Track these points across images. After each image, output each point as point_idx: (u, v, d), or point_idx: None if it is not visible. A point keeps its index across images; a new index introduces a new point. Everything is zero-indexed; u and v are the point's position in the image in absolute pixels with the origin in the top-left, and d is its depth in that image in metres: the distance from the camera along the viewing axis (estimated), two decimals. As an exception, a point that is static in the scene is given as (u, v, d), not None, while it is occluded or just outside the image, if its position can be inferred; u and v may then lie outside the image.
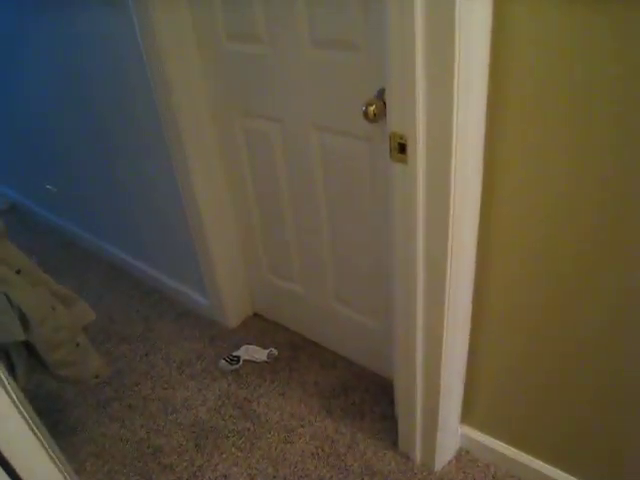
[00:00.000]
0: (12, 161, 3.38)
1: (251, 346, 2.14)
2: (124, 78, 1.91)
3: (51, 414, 2.00)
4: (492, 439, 1.60)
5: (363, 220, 1.65)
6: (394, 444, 1.73)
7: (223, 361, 2.09)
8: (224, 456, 1.78)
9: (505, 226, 1.19)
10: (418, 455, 1.64)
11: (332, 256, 1.85)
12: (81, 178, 2.67)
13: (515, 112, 1.05)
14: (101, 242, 2.89)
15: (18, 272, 1.36)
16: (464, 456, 1.68)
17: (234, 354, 2.11)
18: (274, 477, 1.69)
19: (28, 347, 1.44)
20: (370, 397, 1.91)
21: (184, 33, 1.70)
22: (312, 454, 1.74)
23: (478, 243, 1.25)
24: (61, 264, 2.98)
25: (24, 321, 1.35)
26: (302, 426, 1.84)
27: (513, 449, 1.56)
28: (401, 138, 1.12)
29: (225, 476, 1.72)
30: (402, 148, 1.13)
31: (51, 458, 1.14)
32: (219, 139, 1.92)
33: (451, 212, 1.13)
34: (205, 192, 1.96)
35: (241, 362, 2.09)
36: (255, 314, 2.37)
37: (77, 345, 1.55)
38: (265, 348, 2.13)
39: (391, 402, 1.83)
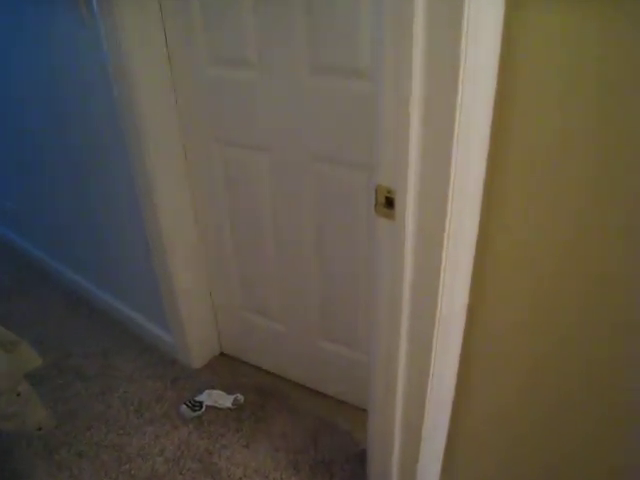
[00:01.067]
0: None
1: (215, 391, 2.00)
2: (89, 94, 1.79)
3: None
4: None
5: (357, 252, 1.56)
6: (364, 510, 1.60)
7: (184, 406, 1.94)
8: (179, 517, 1.62)
9: (498, 297, 1.08)
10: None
11: (320, 290, 1.75)
12: (45, 196, 2.52)
13: (517, 174, 0.95)
14: (62, 266, 2.72)
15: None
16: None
17: (196, 399, 1.96)
18: None
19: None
20: (341, 452, 1.77)
21: (155, 53, 1.59)
22: (275, 518, 1.60)
23: (469, 305, 1.14)
24: (18, 286, 2.81)
25: (-45, 371, 1.19)
26: (267, 484, 1.70)
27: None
28: (389, 192, 1.00)
29: (179, 541, 1.56)
30: (389, 203, 1.01)
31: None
32: (191, 167, 1.80)
33: (441, 280, 1.01)
34: (170, 221, 1.83)
35: (204, 408, 1.94)
36: (222, 353, 2.23)
37: (18, 395, 1.39)
38: (230, 393, 1.99)
39: (363, 459, 1.70)
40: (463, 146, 0.87)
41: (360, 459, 1.72)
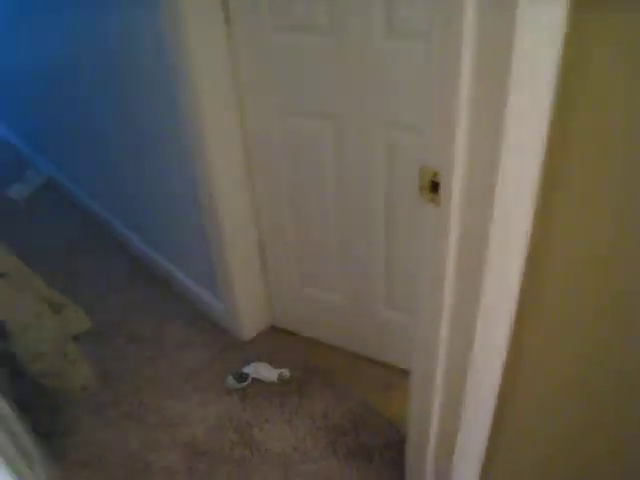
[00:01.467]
0: (52, 136, 3.34)
1: (262, 364, 2.00)
2: (145, 61, 1.82)
3: (46, 412, 1.91)
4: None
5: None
6: (399, 499, 1.56)
7: (231, 377, 1.96)
8: (216, 486, 1.64)
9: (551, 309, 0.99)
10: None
11: (386, 258, 1.74)
12: (112, 164, 2.59)
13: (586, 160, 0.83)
14: (128, 232, 2.80)
15: (2, 276, 1.25)
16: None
17: (243, 371, 1.97)
18: (263, 519, 1.55)
19: (9, 353, 1.33)
20: (382, 437, 1.74)
21: (213, 18, 1.56)
22: (309, 497, 1.59)
23: (520, 298, 1.06)
24: (85, 246, 2.92)
25: (3, 329, 1.24)
26: (303, 462, 1.69)
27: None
28: (434, 175, 0.94)
29: (212, 509, 1.59)
30: (434, 187, 0.95)
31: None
32: (248, 135, 1.78)
33: (484, 271, 0.93)
34: (224, 189, 1.81)
35: (249, 381, 1.95)
36: (273, 327, 2.22)
37: (64, 355, 1.43)
38: (277, 367, 1.98)
39: (403, 447, 1.66)
40: (516, 127, 0.79)
41: (401, 447, 1.68)
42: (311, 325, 2.12)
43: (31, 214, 3.42)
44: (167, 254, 2.47)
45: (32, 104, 3.47)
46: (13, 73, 3.50)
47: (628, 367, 0.92)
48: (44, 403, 1.91)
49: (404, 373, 1.78)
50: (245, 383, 1.94)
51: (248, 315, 2.13)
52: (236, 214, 1.90)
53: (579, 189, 0.83)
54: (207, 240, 1.99)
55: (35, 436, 1.60)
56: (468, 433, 1.21)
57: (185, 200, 2.02)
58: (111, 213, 2.94)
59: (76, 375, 1.49)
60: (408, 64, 1.34)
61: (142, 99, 1.97)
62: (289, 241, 1.93)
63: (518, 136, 0.79)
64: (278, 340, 2.16)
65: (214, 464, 1.70)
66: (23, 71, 3.29)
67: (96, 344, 2.16)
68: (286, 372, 1.96)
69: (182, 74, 1.61)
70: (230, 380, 1.95)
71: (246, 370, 1.98)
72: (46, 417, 1.88)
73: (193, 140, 1.73)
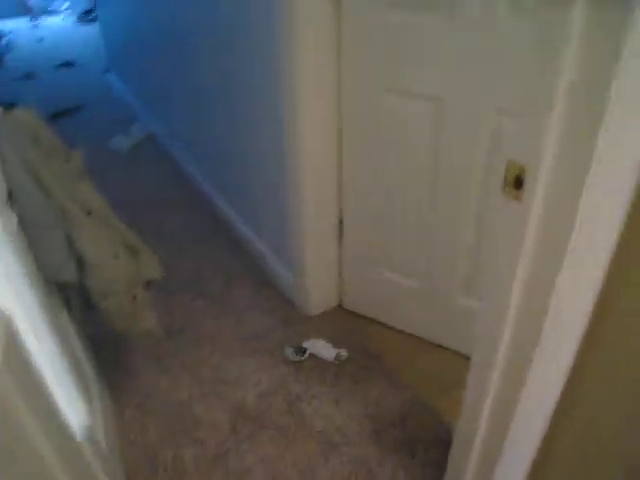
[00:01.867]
0: (158, 94, 3.49)
1: (321, 341, 2.00)
2: (246, 31, 1.85)
3: (110, 351, 2.01)
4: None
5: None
6: (434, 501, 1.53)
7: (289, 348, 1.98)
8: (255, 449, 1.68)
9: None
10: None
11: (470, 250, 1.71)
12: (208, 122, 2.66)
13: None
14: (213, 190, 2.87)
15: (89, 214, 1.31)
16: None
17: (303, 344, 1.99)
18: (296, 491, 1.57)
19: (84, 286, 1.40)
20: (430, 433, 1.70)
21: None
22: (344, 479, 1.59)
23: (589, 328, 0.99)
24: (175, 203, 3.03)
25: (81, 263, 1.30)
26: (345, 444, 1.69)
27: None
28: (521, 170, 0.88)
29: (248, 470, 1.62)
30: (519, 183, 0.90)
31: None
32: (343, 109, 1.76)
33: (557, 284, 0.88)
34: (313, 157, 1.81)
35: (307, 355, 1.97)
36: (340, 306, 2.22)
37: (134, 298, 1.50)
38: (337, 347, 1.98)
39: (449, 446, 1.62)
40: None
41: (447, 448, 1.64)
42: (380, 308, 2.10)
43: (128, 166, 3.59)
44: (247, 217, 2.52)
45: (144, 64, 3.66)
46: (132, 34, 3.71)
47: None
48: (110, 342, 2.00)
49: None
50: (302, 357, 1.96)
51: (316, 290, 2.14)
52: (320, 185, 1.89)
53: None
54: (286, 208, 2.00)
55: (96, 370, 1.69)
56: (516, 443, 1.16)
57: (271, 165, 2.04)
58: (201, 171, 3.04)
59: (142, 319, 1.55)
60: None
61: (244, 63, 2.00)
62: (370, 220, 1.90)
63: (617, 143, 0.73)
64: (343, 320, 2.15)
65: (257, 428, 1.73)
66: (140, 32, 3.48)
67: (166, 295, 2.25)
68: (344, 353, 1.96)
69: (284, 42, 1.61)
70: (288, 351, 1.97)
71: (305, 344, 1.99)
72: (110, 356, 1.98)
73: (288, 104, 1.74)
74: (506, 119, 1.42)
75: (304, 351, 1.97)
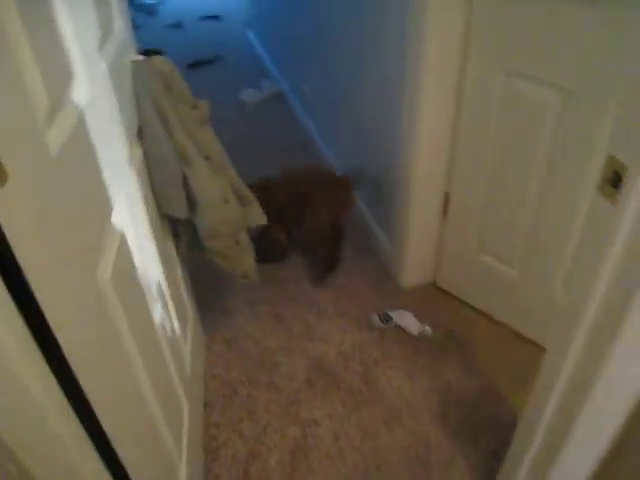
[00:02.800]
0: (290, 54, 3.62)
1: (409, 313, 2.04)
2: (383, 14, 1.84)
3: (210, 288, 2.17)
4: None
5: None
6: (487, 490, 1.55)
7: (376, 316, 2.04)
8: (325, 404, 1.77)
9: None
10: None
11: (579, 246, 1.64)
12: (328, 85, 2.75)
13: None
14: (329, 152, 2.96)
15: (207, 158, 1.42)
16: None
17: (389, 313, 2.04)
18: (355, 449, 1.64)
19: (192, 225, 1.53)
20: (497, 425, 1.70)
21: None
22: (402, 450, 1.64)
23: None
24: (289, 157, 3.14)
25: (193, 202, 1.42)
26: (410, 417, 1.73)
27: None
28: (621, 168, 0.86)
29: (315, 422, 1.71)
30: (616, 182, 0.87)
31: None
32: (463, 91, 1.75)
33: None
34: (428, 127, 1.82)
35: (391, 324, 2.01)
36: (435, 285, 2.23)
37: (237, 242, 1.61)
38: (422, 322, 2.01)
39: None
40: None
41: (511, 439, 1.64)
42: (474, 292, 2.10)
43: (254, 118, 3.76)
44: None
45: (280, 23, 3.84)
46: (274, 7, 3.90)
47: None
48: (209, 281, 2.16)
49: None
50: (387, 325, 2.01)
51: (414, 264, 2.17)
52: (430, 157, 1.90)
53: None
54: (394, 178, 2.03)
55: (193, 302, 1.84)
56: (580, 443, 1.13)
57: (386, 131, 2.07)
58: (320, 134, 3.13)
59: (242, 262, 1.66)
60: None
61: (374, 36, 2.03)
62: (477, 202, 1.88)
63: None
64: (434, 297, 2.17)
65: (331, 385, 1.82)
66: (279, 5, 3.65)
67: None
68: (429, 329, 1.98)
69: (415, 23, 1.63)
70: (375, 318, 2.03)
71: (391, 313, 2.03)
72: (208, 293, 2.13)
73: (410, 72, 1.76)
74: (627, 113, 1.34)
75: (389, 319, 2.02)
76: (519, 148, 1.67)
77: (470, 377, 1.84)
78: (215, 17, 5.95)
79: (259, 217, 1.67)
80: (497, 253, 1.92)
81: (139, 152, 1.27)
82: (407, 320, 2.02)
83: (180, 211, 1.41)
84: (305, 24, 3.06)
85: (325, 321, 2.07)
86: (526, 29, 1.50)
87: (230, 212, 1.52)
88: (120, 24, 1.24)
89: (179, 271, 1.65)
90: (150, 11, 6.16)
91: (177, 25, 5.78)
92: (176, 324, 1.50)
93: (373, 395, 1.79)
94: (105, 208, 0.94)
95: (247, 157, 3.00)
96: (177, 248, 1.60)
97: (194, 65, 4.50)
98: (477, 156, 1.80)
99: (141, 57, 1.30)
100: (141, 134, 1.28)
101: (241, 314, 2.11)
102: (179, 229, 1.55)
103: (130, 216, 1.08)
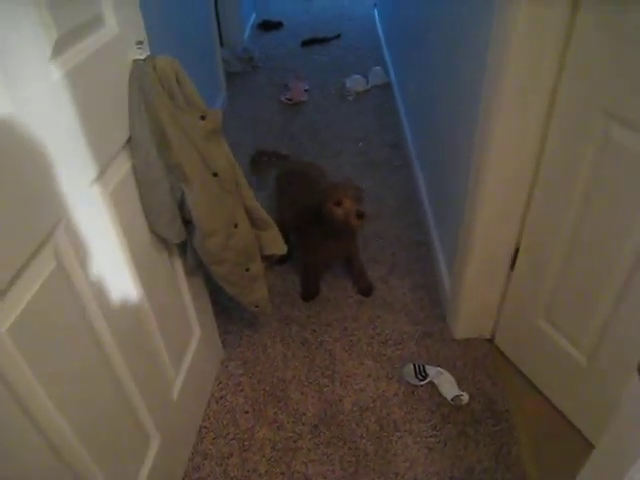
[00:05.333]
0: (398, 42, 3.47)
1: (446, 374, 1.77)
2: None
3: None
4: None
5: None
6: None
7: (411, 367, 1.79)
8: (323, 460, 1.57)
9: None
10: None
11: None
12: (423, 91, 2.51)
13: None
14: (416, 161, 2.69)
15: (215, 175, 1.25)
16: None
17: (426, 368, 1.78)
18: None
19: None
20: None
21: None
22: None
23: None
24: (379, 155, 2.94)
25: (192, 225, 1.26)
26: (416, 500, 1.49)
27: None
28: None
29: (306, 479, 1.52)
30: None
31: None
32: (550, 124, 1.41)
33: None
34: (500, 171, 1.52)
35: (426, 382, 1.76)
36: (491, 340, 1.92)
37: (246, 270, 1.43)
38: (462, 385, 1.74)
39: None
40: None
41: None
42: (533, 363, 1.77)
43: (353, 107, 3.54)
44: (433, 202, 2.31)
45: (395, 11, 3.60)
46: None
47: None
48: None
49: None
50: (420, 382, 1.76)
51: (470, 315, 1.88)
52: (500, 202, 1.59)
53: None
54: (466, 210, 1.74)
55: (211, 316, 1.70)
56: None
57: (462, 161, 1.77)
58: (412, 135, 2.88)
59: (251, 292, 1.49)
60: None
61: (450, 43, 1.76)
62: (551, 263, 1.55)
63: None
64: (485, 357, 1.86)
65: (337, 438, 1.62)
66: None
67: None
68: (465, 398, 1.71)
69: (498, 51, 1.32)
70: (409, 369, 1.78)
71: (429, 370, 1.77)
72: (236, 305, 1.95)
73: (486, 108, 1.48)
74: None
75: (425, 377, 1.76)
76: (613, 209, 1.31)
77: (499, 466, 1.55)
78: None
79: (277, 246, 1.48)
80: (565, 329, 1.58)
81: (125, 167, 1.12)
82: (444, 381, 1.75)
83: (172, 235, 1.25)
84: (414, 21, 2.77)
85: (353, 359, 1.85)
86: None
87: (237, 237, 1.34)
88: (119, 16, 1.06)
89: (185, 286, 1.50)
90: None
91: (309, -4, 5.64)
92: (163, 349, 1.37)
93: (380, 462, 1.56)
94: (24, 243, 0.80)
95: (331, 149, 2.83)
96: (184, 264, 1.45)
97: (308, 43, 4.34)
98: (558, 208, 1.46)
99: (144, 56, 1.12)
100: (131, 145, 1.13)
101: (268, 332, 1.95)
102: (187, 244, 1.39)
103: (80, 244, 0.94)
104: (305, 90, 3.68)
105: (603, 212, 1.34)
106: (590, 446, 1.56)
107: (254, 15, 5.02)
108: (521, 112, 1.40)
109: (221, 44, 3.79)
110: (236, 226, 1.33)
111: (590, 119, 1.28)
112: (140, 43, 1.14)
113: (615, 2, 1.13)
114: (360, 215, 1.71)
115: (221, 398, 1.74)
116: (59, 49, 0.88)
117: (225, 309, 1.94)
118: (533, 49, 1.30)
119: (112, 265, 1.08)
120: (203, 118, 1.18)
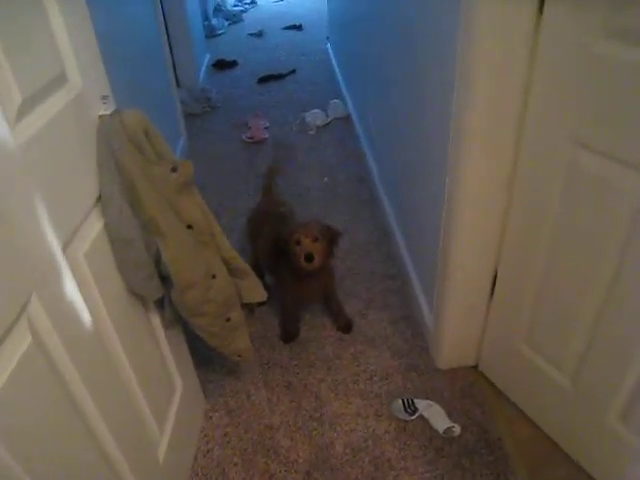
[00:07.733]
0: (355, 74, 3.48)
1: (435, 406, 1.75)
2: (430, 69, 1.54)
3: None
4: None
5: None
6: None
7: (400, 402, 1.76)
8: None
9: None
10: None
11: None
12: (388, 127, 2.46)
13: None
14: (384, 194, 2.69)
15: (189, 227, 1.21)
16: None
17: (415, 402, 1.75)
18: None
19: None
20: None
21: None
22: None
23: None
24: (344, 192, 2.94)
25: (169, 279, 1.22)
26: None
27: None
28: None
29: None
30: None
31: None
32: (520, 151, 1.42)
33: None
34: (474, 198, 1.53)
35: (415, 416, 1.73)
36: (475, 367, 1.91)
37: (227, 320, 1.39)
38: (454, 416, 1.72)
39: None
40: None
41: None
42: (519, 390, 1.76)
43: (314, 142, 3.56)
44: (406, 236, 2.30)
45: (351, 42, 3.59)
46: (346, 11, 3.69)
47: None
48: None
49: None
50: (410, 417, 1.73)
51: (453, 343, 1.86)
52: (476, 231, 1.60)
53: None
54: (438, 243, 1.74)
55: (192, 367, 1.65)
56: None
57: (434, 189, 1.77)
58: (377, 167, 2.89)
59: (233, 342, 1.45)
60: None
61: (420, 73, 1.77)
62: (528, 288, 1.55)
63: None
64: (474, 386, 1.84)
65: (336, 477, 1.57)
66: (352, 12, 3.41)
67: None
68: (457, 430, 1.68)
69: (465, 71, 1.34)
70: (398, 404, 1.76)
71: (418, 404, 1.75)
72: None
73: (455, 131, 1.48)
74: None
75: (415, 411, 1.73)
76: (585, 235, 1.32)
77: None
78: (297, 27, 5.87)
79: (257, 293, 1.45)
80: (547, 353, 1.58)
81: (98, 226, 1.08)
82: (434, 414, 1.73)
83: (150, 293, 1.21)
84: (370, 51, 2.80)
85: (340, 398, 1.81)
86: (608, 92, 1.16)
87: (215, 289, 1.31)
88: (83, 71, 1.03)
89: (164, 340, 1.44)
90: (235, 19, 6.14)
91: (259, 34, 5.76)
92: (147, 409, 1.31)
93: (380, 505, 1.52)
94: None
95: (298, 185, 2.82)
96: (162, 317, 1.40)
97: (265, 79, 4.37)
98: (532, 234, 1.47)
99: (109, 111, 1.09)
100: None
101: (251, 378, 1.90)
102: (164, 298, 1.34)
103: (55, 311, 0.89)
104: (265, 128, 3.68)
105: (576, 236, 1.35)
106: (582, 471, 1.55)
107: (208, 56, 5.04)
108: (491, 139, 1.42)
109: (177, 85, 3.78)
110: (214, 277, 1.30)
111: (556, 145, 1.30)
112: (105, 97, 1.11)
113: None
114: (307, 257, 1.70)
115: (208, 452, 1.67)
116: (23, 111, 0.84)
117: (205, 358, 1.88)
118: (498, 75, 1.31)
119: (90, 328, 1.03)
120: (174, 170, 1.16)
